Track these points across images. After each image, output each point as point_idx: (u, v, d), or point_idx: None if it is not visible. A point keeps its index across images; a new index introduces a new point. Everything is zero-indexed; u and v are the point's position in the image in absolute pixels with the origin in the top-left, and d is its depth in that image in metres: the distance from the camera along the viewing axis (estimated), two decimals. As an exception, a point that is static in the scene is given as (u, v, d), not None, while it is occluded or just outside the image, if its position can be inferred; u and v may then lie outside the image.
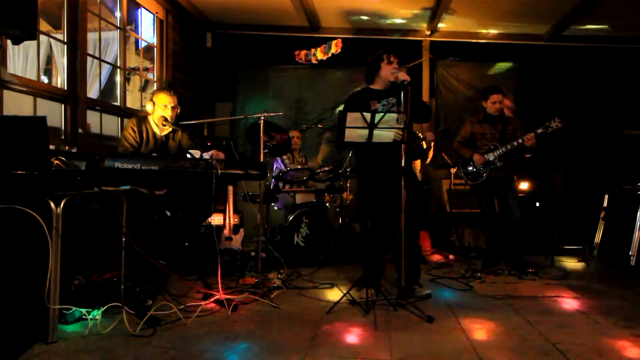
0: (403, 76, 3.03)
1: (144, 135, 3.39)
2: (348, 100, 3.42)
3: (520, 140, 3.99)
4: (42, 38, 4.49)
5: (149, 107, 3.41)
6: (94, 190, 2.52)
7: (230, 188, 4.02)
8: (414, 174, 3.55)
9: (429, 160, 4.99)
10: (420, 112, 3.30)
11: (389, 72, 3.21)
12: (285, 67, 6.22)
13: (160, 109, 3.38)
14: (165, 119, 3.34)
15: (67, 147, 3.61)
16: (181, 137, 3.56)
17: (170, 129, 3.46)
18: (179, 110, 3.50)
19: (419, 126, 4.69)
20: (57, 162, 2.51)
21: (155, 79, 5.16)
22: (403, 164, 3.03)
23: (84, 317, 2.56)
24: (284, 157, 5.01)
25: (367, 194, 3.26)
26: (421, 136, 4.58)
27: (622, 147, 5.92)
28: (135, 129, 3.36)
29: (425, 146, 4.65)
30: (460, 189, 5.26)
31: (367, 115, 2.86)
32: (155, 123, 3.44)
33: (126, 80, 5.15)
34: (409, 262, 3.08)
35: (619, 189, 4.92)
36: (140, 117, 3.47)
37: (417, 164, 5.00)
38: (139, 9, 4.94)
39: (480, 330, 2.60)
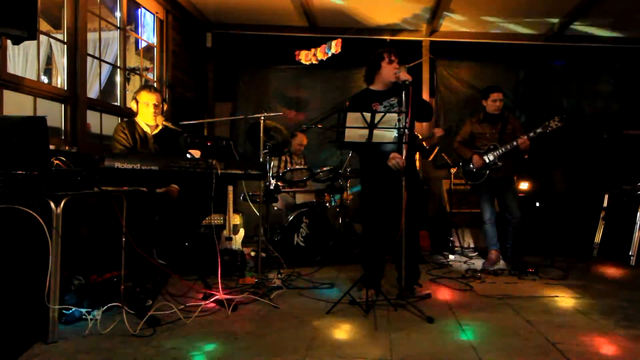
0: (404, 76, 3.01)
1: (137, 136, 3.38)
2: (349, 103, 3.39)
3: (514, 143, 4.01)
4: (42, 38, 4.49)
5: (133, 105, 3.42)
6: (94, 190, 2.52)
7: (230, 188, 4.02)
8: (417, 174, 3.54)
9: (431, 157, 4.96)
10: (422, 111, 3.29)
11: (391, 72, 3.18)
12: (285, 67, 6.22)
13: (143, 107, 3.39)
14: (166, 119, 3.34)
15: (67, 147, 3.61)
16: (173, 134, 3.54)
17: (162, 127, 3.46)
18: (165, 107, 3.49)
19: (418, 125, 4.68)
20: (57, 162, 2.51)
21: (155, 79, 5.16)
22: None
23: (84, 317, 2.56)
24: (282, 158, 4.98)
25: (369, 194, 3.26)
26: (420, 137, 4.56)
27: (623, 147, 5.92)
28: (126, 132, 3.34)
29: (426, 145, 4.63)
30: (460, 189, 5.27)
31: (367, 116, 2.86)
32: (145, 122, 3.43)
33: (126, 80, 5.14)
34: (409, 262, 3.08)
35: (619, 189, 4.92)
36: (128, 121, 3.46)
37: (417, 161, 4.98)
38: (139, 9, 4.94)
39: (480, 331, 2.59)
